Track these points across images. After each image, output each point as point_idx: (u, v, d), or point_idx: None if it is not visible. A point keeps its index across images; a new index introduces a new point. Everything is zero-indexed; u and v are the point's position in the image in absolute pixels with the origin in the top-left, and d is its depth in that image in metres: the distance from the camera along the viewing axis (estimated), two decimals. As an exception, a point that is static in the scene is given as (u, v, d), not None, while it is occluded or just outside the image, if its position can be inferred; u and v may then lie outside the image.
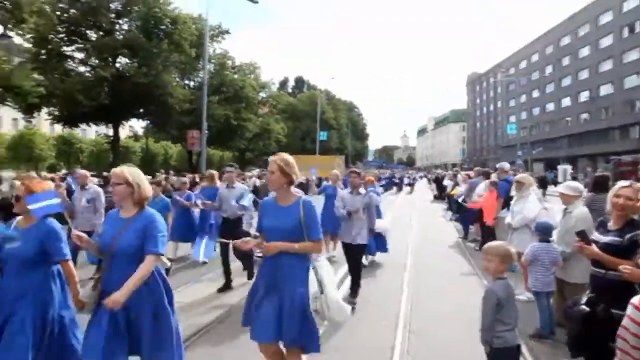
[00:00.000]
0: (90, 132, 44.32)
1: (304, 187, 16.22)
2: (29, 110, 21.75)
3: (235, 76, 32.70)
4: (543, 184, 23.49)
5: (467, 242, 9.97)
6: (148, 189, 2.70)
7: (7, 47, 15.22)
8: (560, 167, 36.34)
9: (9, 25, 16.06)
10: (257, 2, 21.65)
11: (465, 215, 10.64)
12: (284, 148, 40.70)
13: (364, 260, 6.99)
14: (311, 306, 2.66)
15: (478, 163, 56.06)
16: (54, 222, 2.89)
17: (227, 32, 30.33)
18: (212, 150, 39.99)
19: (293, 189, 2.99)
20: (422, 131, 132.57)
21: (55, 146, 38.51)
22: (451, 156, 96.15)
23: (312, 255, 2.82)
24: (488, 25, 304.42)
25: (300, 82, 73.03)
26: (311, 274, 2.70)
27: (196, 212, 7.98)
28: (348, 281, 5.70)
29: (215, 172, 7.46)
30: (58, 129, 37.85)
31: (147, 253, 2.53)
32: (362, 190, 5.48)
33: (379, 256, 7.76)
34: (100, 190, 6.71)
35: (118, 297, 2.40)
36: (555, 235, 4.43)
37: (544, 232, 4.39)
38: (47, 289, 2.79)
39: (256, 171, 21.39)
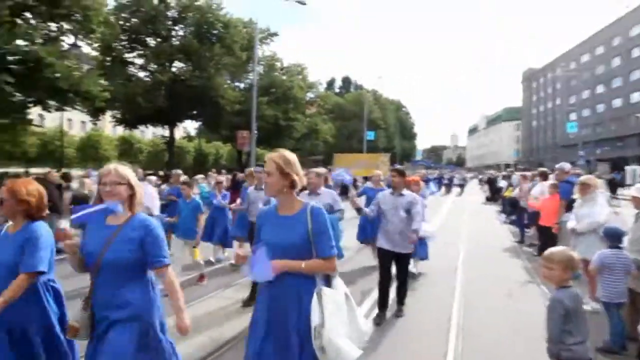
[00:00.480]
0: (148, 133, 47.01)
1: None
2: (95, 113, 23.45)
3: (284, 77, 33.26)
4: (612, 186, 21.79)
5: (523, 247, 9.49)
6: (142, 194, 2.39)
7: (78, 56, 16.52)
8: (629, 168, 33.48)
9: (80, 36, 17.40)
10: (305, 4, 21.90)
11: (521, 217, 10.15)
12: (331, 148, 40.95)
13: (414, 269, 6.62)
14: (314, 344, 2.08)
15: (534, 163, 53.14)
16: (40, 228, 2.55)
17: (275, 34, 30.93)
18: (261, 150, 40.96)
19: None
20: (473, 130, 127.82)
21: (118, 147, 41.16)
22: (504, 156, 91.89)
23: (324, 277, 2.27)
24: (546, 18, 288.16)
25: (347, 82, 72.91)
26: (314, 301, 2.13)
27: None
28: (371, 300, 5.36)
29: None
30: (120, 130, 40.47)
31: (155, 267, 2.22)
32: (405, 191, 4.84)
33: (429, 261, 7.55)
34: None
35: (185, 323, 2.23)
36: (626, 242, 4.11)
37: (613, 238, 4.08)
38: (35, 301, 2.48)
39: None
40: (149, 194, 9.74)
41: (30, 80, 14.45)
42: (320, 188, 5.22)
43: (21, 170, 25.30)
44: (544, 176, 8.71)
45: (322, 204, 4.76)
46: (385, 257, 4.81)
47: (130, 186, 2.27)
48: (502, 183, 16.68)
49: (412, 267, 6.56)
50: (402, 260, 4.82)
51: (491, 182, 23.17)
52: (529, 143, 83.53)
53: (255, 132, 21.09)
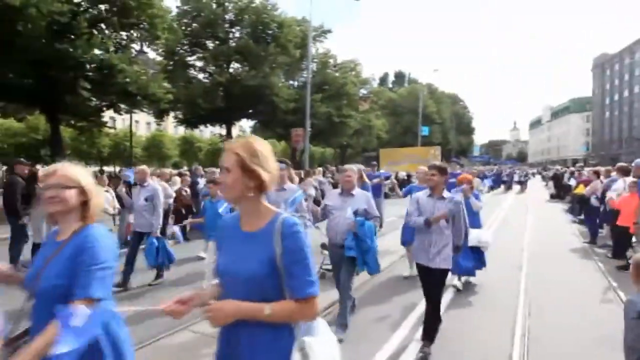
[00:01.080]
0: (206, 132, 49.23)
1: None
2: (160, 114, 25.11)
3: (337, 74, 33.36)
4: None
5: (595, 248, 8.86)
6: (101, 201, 1.85)
7: (145, 61, 17.72)
8: None
9: (146, 42, 18.65)
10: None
11: (592, 216, 9.48)
12: (384, 144, 40.53)
13: (457, 282, 5.92)
14: None
15: (606, 158, 48.99)
16: None
17: (329, 31, 31.08)
18: (314, 147, 41.42)
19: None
20: (535, 123, 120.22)
21: (179, 146, 43.50)
22: (571, 150, 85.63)
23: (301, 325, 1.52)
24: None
25: (400, 76, 71.59)
26: None
27: None
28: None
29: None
30: (181, 130, 42.75)
31: (76, 298, 1.55)
32: (446, 193, 3.99)
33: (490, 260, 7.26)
34: (158, 188, 6.12)
35: None
36: None
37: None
38: None
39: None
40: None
41: (105, 85, 15.74)
42: (355, 188, 4.40)
43: (96, 168, 27.58)
44: (625, 172, 7.83)
45: (354, 209, 4.21)
46: (423, 274, 3.91)
47: (83, 191, 1.74)
48: (572, 181, 15.56)
49: (456, 281, 5.91)
50: (437, 277, 3.81)
51: (557, 179, 21.79)
52: (600, 136, 77.14)
53: (309, 129, 21.37)
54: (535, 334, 4.32)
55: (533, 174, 46.52)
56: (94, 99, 17.03)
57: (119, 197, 8.71)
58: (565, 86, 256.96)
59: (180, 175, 11.75)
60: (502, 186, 29.12)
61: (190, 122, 28.51)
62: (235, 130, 38.19)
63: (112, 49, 15.83)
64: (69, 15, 13.78)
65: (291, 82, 32.45)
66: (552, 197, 21.41)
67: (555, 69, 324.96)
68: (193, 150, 43.89)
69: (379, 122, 42.59)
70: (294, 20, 28.15)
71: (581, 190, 10.56)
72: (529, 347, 4.03)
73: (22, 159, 7.28)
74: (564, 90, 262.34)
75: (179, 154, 43.47)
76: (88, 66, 14.87)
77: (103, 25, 15.88)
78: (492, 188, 27.69)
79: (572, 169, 21.11)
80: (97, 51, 15.27)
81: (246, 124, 47.28)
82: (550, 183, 23.50)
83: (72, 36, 14.19)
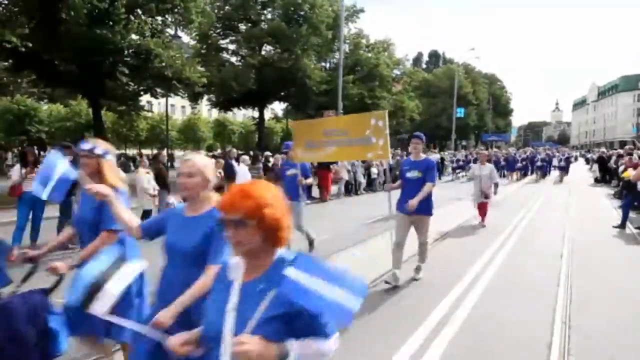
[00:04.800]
0: (239, 115, 49.86)
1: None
2: (194, 98, 25.59)
3: (369, 55, 32.69)
4: None
5: (644, 235, 8.40)
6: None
7: (180, 45, 17.96)
8: None
9: (180, 27, 18.87)
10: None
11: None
12: (418, 126, 39.71)
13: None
14: None
15: (658, 140, 45.63)
16: None
17: (361, 10, 30.39)
18: (345, 129, 41.08)
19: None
20: (580, 103, 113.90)
21: (213, 129, 44.32)
22: (619, 132, 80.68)
23: None
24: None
25: (434, 56, 69.54)
26: None
27: None
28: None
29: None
30: (214, 113, 43.48)
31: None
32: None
33: (528, 245, 7.02)
34: None
35: None
36: None
37: None
38: None
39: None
40: (244, 174, 10.44)
41: (142, 70, 16.14)
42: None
43: (135, 151, 28.63)
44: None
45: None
46: None
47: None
48: (620, 163, 14.73)
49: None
50: None
51: (602, 161, 20.71)
52: (652, 116, 72.22)
53: (341, 111, 21.18)
54: (577, 323, 4.17)
55: (575, 158, 44.00)
56: (131, 83, 17.49)
57: (157, 178, 8.98)
58: (614, 64, 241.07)
59: (214, 157, 11.99)
60: (537, 173, 23.67)
61: (223, 105, 28.87)
62: (267, 113, 38.48)
63: (148, 34, 16.14)
64: (107, 1, 14.12)
65: (323, 63, 32.11)
66: (597, 180, 20.43)
67: (603, 45, 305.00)
68: (226, 133, 44.63)
69: (412, 104, 41.68)
70: (326, 0, 27.67)
71: (628, 174, 9.99)
72: (570, 336, 3.89)
73: (65, 143, 7.62)
74: (613, 69, 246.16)
75: (213, 137, 44.35)
76: (126, 51, 15.25)
77: (139, 11, 16.17)
78: (524, 175, 23.93)
79: (620, 151, 19.90)
80: (134, 36, 15.61)
81: (278, 106, 47.50)
82: (595, 166, 22.30)
83: (111, 22, 14.55)
